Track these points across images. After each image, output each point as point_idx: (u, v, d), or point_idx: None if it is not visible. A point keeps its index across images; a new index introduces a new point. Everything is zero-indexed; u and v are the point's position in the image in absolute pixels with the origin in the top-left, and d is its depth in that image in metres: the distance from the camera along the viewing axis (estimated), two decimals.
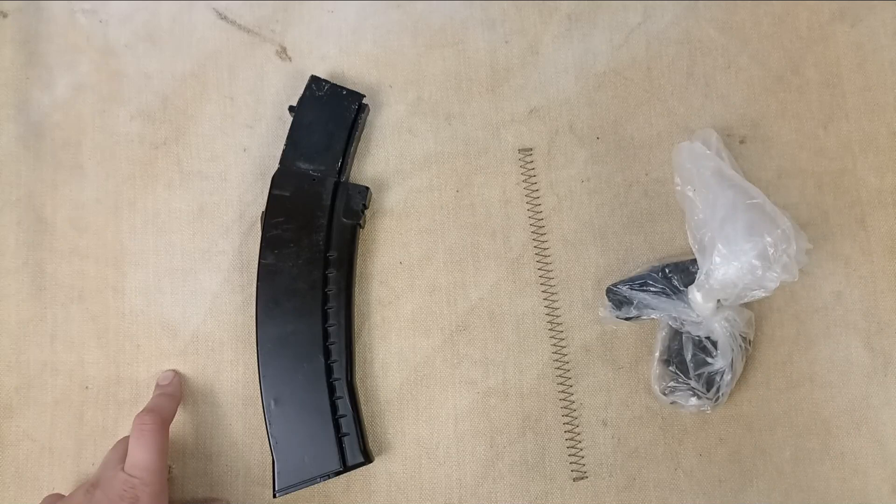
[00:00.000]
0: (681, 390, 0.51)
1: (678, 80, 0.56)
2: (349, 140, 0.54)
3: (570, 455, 0.53)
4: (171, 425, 0.50)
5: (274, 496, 0.50)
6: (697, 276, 0.50)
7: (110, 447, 0.51)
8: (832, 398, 0.53)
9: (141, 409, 0.50)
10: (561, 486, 0.52)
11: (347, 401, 0.51)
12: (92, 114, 0.57)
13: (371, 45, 0.58)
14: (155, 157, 0.57)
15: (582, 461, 0.52)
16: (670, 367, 0.51)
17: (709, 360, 0.50)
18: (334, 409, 0.51)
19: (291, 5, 0.58)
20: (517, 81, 0.57)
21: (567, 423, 0.53)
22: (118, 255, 0.56)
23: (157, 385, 0.53)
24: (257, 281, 0.52)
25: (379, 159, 0.56)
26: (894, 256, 0.54)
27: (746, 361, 0.52)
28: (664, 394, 0.51)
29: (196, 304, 0.55)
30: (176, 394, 0.52)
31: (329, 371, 0.51)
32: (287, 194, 0.53)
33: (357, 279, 0.54)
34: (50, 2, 0.59)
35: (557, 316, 0.54)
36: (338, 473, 0.50)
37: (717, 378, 0.50)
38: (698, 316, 0.50)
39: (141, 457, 0.47)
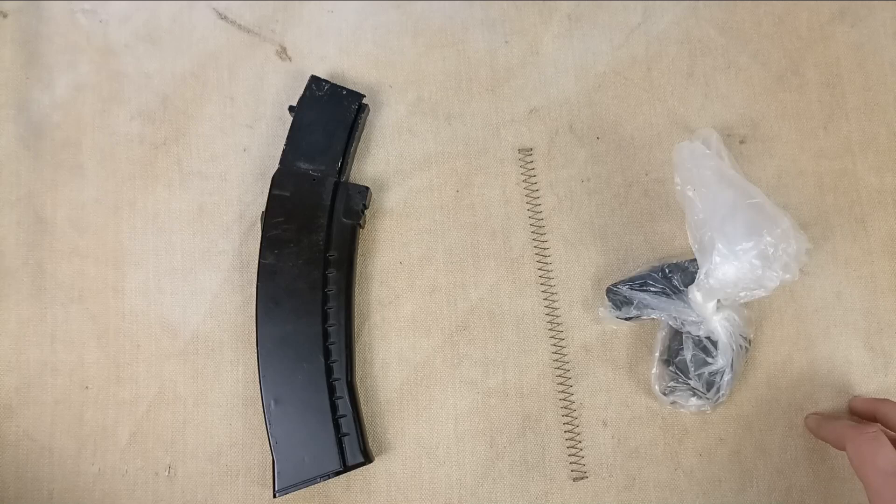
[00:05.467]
0: (681, 390, 0.51)
1: (678, 80, 0.56)
2: (349, 140, 0.54)
3: (570, 455, 0.53)
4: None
5: (274, 496, 0.50)
6: (697, 276, 0.49)
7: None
8: (832, 398, 0.53)
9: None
10: (561, 486, 0.52)
11: (347, 401, 0.51)
12: (92, 114, 0.57)
13: (371, 45, 0.58)
14: (155, 157, 0.57)
15: (582, 461, 0.52)
16: (670, 367, 0.51)
17: (709, 360, 0.50)
18: (334, 409, 0.51)
19: (291, 5, 0.58)
20: (517, 81, 0.57)
21: (567, 423, 0.53)
22: (118, 255, 0.56)
23: None
24: (257, 281, 0.52)
25: (379, 159, 0.56)
26: (894, 256, 0.54)
27: (746, 361, 0.52)
28: (664, 394, 0.51)
29: (196, 304, 0.55)
30: None
31: (329, 371, 0.51)
32: (287, 194, 0.53)
33: (357, 279, 0.54)
34: (50, 2, 0.59)
35: (557, 316, 0.54)
36: (338, 473, 0.50)
37: (717, 378, 0.50)
38: (698, 316, 0.50)
39: None
